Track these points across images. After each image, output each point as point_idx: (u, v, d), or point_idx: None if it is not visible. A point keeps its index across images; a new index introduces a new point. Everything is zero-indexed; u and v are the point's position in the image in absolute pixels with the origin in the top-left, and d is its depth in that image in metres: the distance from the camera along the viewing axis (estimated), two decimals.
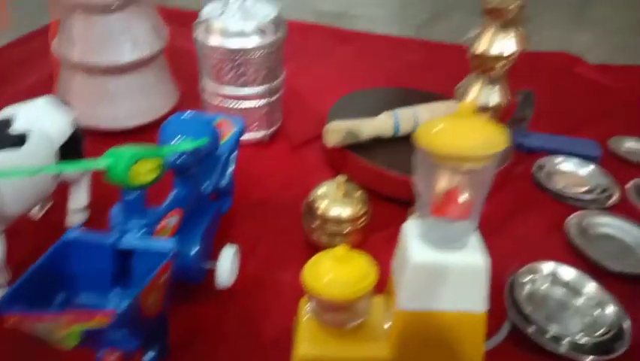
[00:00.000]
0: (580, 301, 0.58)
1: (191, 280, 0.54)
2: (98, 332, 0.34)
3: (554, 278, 0.60)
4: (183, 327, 0.53)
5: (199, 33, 0.75)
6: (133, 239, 0.44)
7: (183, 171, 0.54)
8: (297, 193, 0.68)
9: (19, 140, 0.52)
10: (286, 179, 0.76)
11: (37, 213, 0.64)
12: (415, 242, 0.42)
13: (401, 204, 0.66)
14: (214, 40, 0.73)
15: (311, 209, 0.62)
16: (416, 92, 0.84)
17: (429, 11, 1.37)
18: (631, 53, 1.16)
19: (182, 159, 0.51)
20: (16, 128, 0.53)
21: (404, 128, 0.73)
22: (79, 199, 0.63)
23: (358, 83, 0.93)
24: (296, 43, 0.91)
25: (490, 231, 0.66)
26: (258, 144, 0.81)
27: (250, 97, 0.76)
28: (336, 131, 0.71)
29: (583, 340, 0.53)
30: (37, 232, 0.63)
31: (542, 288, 0.59)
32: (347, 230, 0.61)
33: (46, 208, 0.65)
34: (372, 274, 0.44)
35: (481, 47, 0.50)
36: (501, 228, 0.68)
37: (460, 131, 0.38)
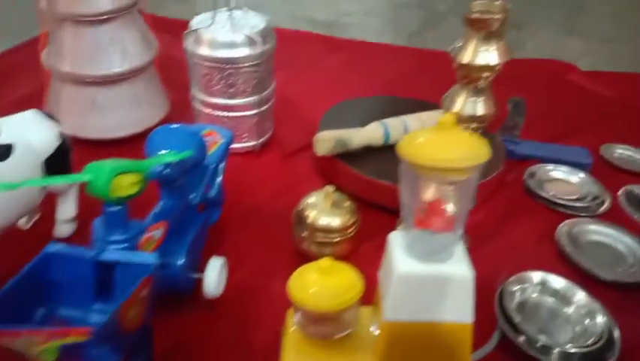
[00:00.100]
0: (570, 310, 0.58)
1: (179, 291, 0.54)
2: (77, 346, 0.34)
3: (544, 287, 0.59)
4: (171, 338, 0.53)
5: (188, 43, 0.75)
6: (114, 253, 0.44)
7: (169, 182, 0.53)
8: (287, 202, 0.68)
9: (4, 153, 0.52)
10: (277, 188, 0.75)
11: (25, 224, 0.64)
12: (400, 254, 0.42)
13: (391, 213, 0.66)
14: (203, 51, 0.73)
15: (301, 218, 0.62)
16: (408, 101, 0.85)
17: (421, 20, 1.38)
18: (622, 61, 1.17)
19: (167, 171, 0.51)
20: (0, 141, 0.53)
21: (394, 137, 0.73)
22: (66, 210, 0.63)
23: (350, 91, 0.93)
24: (288, 52, 0.91)
25: (481, 239, 0.66)
26: (249, 152, 0.81)
27: (240, 107, 0.76)
28: (325, 140, 0.71)
29: (573, 350, 0.52)
30: (25, 242, 0.62)
31: (532, 297, 0.59)
32: (336, 240, 0.61)
33: (34, 219, 0.65)
34: (358, 286, 0.44)
35: (465, 57, 0.50)
36: (492, 236, 0.68)
37: (443, 143, 0.37)
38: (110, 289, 0.43)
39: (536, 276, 0.60)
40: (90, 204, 0.60)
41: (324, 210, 0.61)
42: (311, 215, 0.61)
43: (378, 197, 0.69)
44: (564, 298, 0.58)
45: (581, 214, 0.71)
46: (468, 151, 0.37)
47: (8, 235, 0.56)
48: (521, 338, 0.53)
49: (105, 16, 0.74)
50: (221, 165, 0.64)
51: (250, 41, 0.73)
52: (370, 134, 0.73)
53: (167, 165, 0.50)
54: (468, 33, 0.50)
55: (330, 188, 0.61)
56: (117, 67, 0.76)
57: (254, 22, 0.75)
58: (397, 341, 0.43)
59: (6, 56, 1.07)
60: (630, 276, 0.62)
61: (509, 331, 0.54)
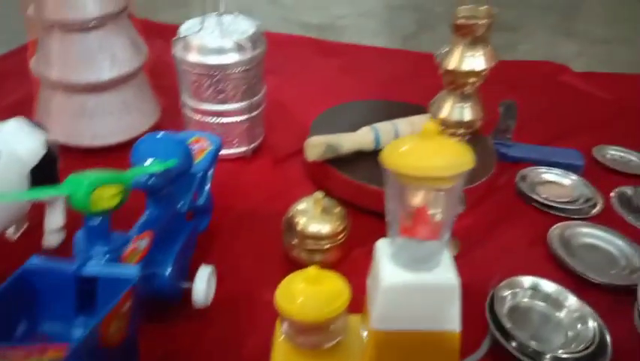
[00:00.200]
0: (562, 314, 0.57)
1: (167, 300, 0.54)
2: None
3: (535, 292, 0.59)
4: (160, 348, 0.52)
5: (177, 50, 0.74)
6: (96, 266, 0.43)
7: (155, 192, 0.53)
8: (278, 208, 0.67)
9: None
10: (268, 194, 0.75)
11: (13, 234, 0.64)
12: (387, 263, 0.42)
13: (382, 218, 0.65)
14: (192, 57, 0.72)
15: (290, 225, 0.61)
16: (401, 105, 0.84)
17: (415, 23, 1.37)
18: (617, 62, 1.17)
19: (152, 180, 0.50)
20: None
21: (385, 142, 0.73)
22: (54, 220, 0.62)
23: (343, 95, 0.92)
24: (280, 56, 0.91)
25: (472, 243, 0.66)
26: (239, 158, 0.80)
27: (230, 113, 0.76)
28: (315, 145, 0.71)
29: (564, 355, 0.52)
30: (14, 253, 0.62)
31: (523, 302, 0.59)
32: (326, 246, 0.61)
33: (22, 229, 0.65)
34: (345, 295, 0.43)
35: (452, 63, 0.50)
36: (483, 240, 0.67)
37: (426, 151, 0.37)
38: (93, 302, 0.43)
39: (527, 281, 0.59)
40: (78, 214, 0.60)
41: (314, 217, 0.60)
42: (301, 222, 0.60)
43: (369, 202, 0.69)
44: (556, 303, 0.58)
45: (573, 217, 0.71)
46: (452, 159, 0.37)
47: None
48: (513, 344, 0.53)
49: (93, 23, 0.74)
50: (210, 172, 0.63)
51: (239, 47, 0.72)
52: (361, 138, 0.73)
53: (152, 175, 0.50)
54: (454, 39, 0.49)
55: (319, 194, 0.61)
56: (106, 74, 0.76)
57: (243, 27, 0.75)
58: (385, 350, 0.43)
59: None
60: (623, 279, 0.62)
61: (500, 337, 0.53)
